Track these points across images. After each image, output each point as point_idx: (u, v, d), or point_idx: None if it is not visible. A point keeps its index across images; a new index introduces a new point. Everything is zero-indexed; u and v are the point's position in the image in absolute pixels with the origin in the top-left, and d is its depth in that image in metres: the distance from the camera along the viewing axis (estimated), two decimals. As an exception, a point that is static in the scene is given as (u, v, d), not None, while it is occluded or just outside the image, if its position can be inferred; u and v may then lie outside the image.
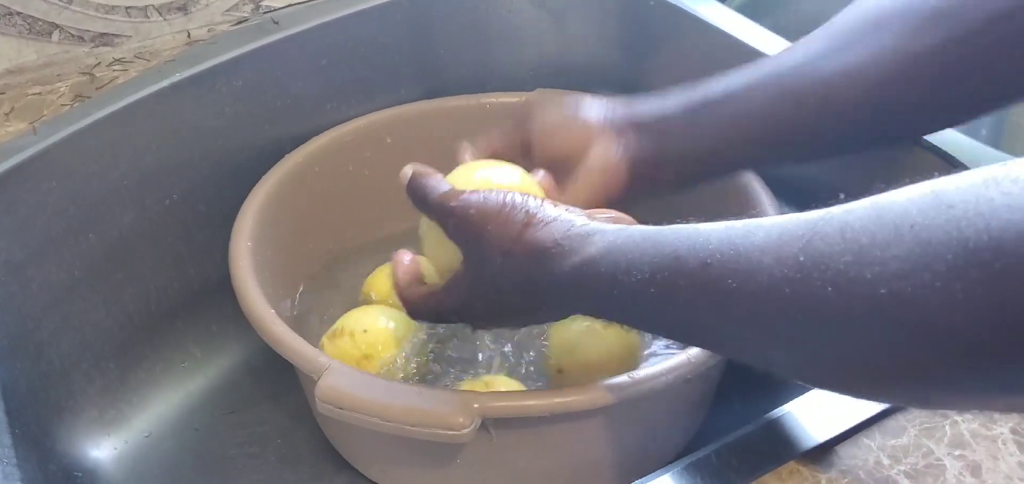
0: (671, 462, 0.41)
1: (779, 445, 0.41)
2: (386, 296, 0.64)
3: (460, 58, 0.79)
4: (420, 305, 0.52)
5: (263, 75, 0.71)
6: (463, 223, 0.47)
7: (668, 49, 0.77)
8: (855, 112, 0.49)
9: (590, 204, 0.52)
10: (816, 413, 0.43)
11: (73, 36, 0.72)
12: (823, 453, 0.41)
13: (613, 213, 0.48)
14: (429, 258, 0.54)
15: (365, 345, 0.59)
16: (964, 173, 0.29)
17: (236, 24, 0.75)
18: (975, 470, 0.40)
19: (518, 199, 0.46)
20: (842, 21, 0.50)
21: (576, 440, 0.52)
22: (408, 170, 0.51)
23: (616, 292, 0.40)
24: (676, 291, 0.37)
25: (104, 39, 0.73)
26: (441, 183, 0.49)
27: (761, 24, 0.71)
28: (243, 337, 0.69)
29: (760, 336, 0.35)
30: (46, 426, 0.60)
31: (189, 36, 0.75)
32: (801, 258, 0.32)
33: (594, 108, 0.57)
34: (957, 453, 0.41)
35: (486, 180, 0.53)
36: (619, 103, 0.57)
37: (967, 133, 0.59)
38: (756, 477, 0.39)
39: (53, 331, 0.61)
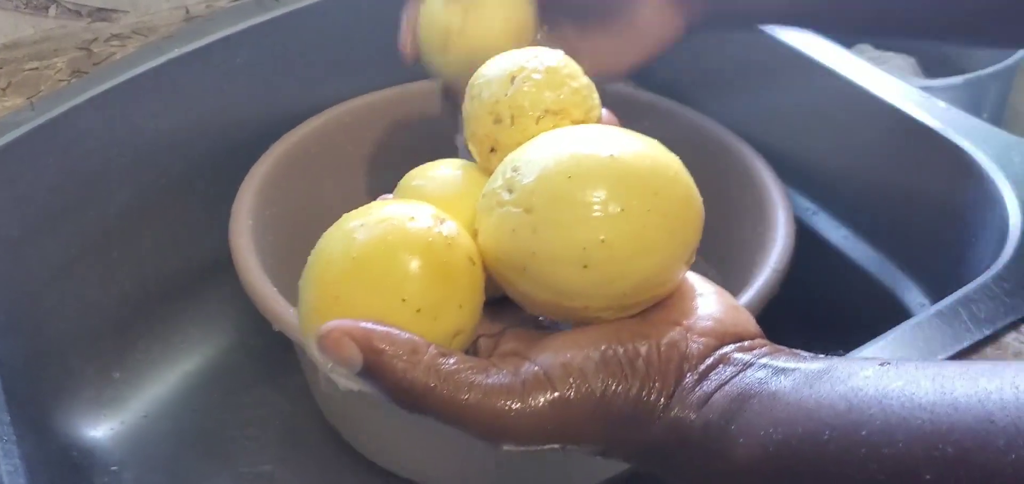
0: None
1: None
2: None
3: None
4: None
5: (261, 52, 0.70)
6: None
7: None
8: None
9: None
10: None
11: (70, 11, 0.71)
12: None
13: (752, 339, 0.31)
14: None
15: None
16: None
17: (234, 0, 0.74)
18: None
19: (617, 392, 0.30)
20: None
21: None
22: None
23: None
24: None
25: (101, 14, 0.72)
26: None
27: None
28: (241, 317, 0.68)
29: None
30: (44, 406, 0.60)
31: (187, 12, 0.74)
32: None
33: None
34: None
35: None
36: None
37: (969, 111, 0.59)
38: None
39: (50, 309, 0.61)
